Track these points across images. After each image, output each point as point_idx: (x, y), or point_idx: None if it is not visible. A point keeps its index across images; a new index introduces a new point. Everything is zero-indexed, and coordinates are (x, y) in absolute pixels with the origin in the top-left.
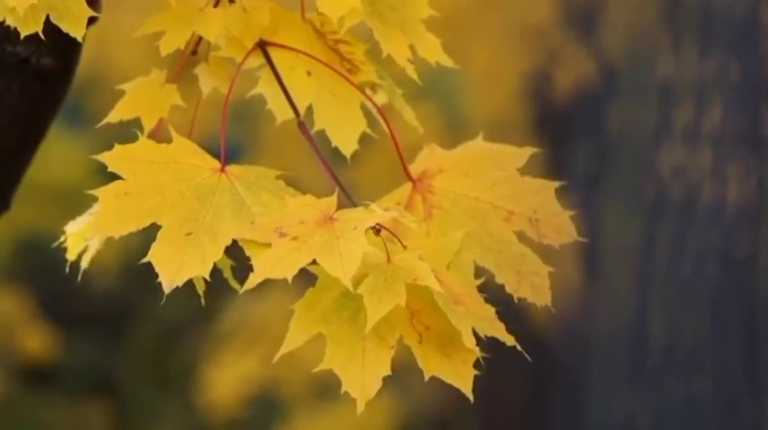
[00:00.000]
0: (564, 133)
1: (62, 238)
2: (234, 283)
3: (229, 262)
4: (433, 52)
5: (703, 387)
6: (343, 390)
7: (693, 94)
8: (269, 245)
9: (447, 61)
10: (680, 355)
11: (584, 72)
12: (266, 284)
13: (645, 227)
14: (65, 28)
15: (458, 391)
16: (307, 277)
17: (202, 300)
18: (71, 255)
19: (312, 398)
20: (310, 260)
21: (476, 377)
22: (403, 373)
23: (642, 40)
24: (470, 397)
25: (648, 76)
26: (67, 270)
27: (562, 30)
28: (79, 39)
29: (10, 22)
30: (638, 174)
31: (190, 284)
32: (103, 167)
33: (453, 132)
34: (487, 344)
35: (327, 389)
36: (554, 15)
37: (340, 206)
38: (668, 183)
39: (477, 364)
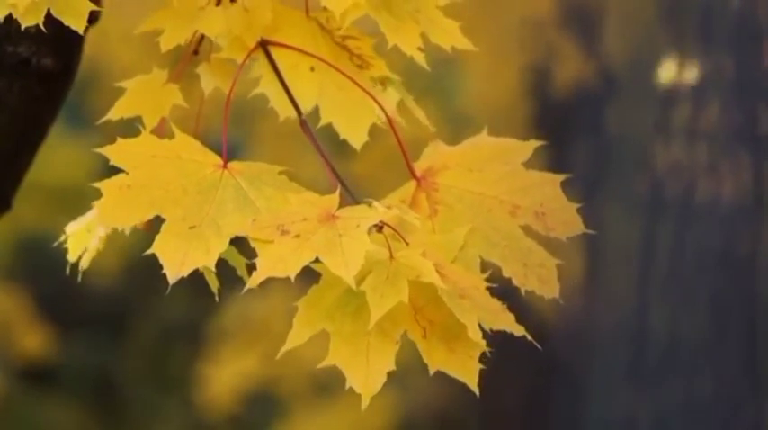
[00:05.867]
0: (563, 131)
1: (62, 238)
2: (246, 280)
3: (243, 259)
4: (450, 37)
5: (704, 386)
6: (347, 386)
7: (693, 92)
8: (271, 242)
9: (465, 44)
10: (680, 355)
11: (584, 69)
12: (267, 282)
13: (645, 226)
14: (66, 21)
15: (457, 391)
16: (307, 275)
17: (216, 297)
18: (72, 256)
19: (311, 396)
20: (313, 258)
21: (481, 371)
22: (403, 373)
23: (642, 38)
24: (476, 391)
25: (649, 74)
26: (68, 271)
27: (562, 26)
28: (80, 32)
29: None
30: (638, 173)
31: (190, 285)
32: (104, 168)
33: (453, 129)
34: (488, 343)
35: (326, 387)
36: (554, 11)
37: (342, 204)
38: (668, 182)
39: (482, 358)
